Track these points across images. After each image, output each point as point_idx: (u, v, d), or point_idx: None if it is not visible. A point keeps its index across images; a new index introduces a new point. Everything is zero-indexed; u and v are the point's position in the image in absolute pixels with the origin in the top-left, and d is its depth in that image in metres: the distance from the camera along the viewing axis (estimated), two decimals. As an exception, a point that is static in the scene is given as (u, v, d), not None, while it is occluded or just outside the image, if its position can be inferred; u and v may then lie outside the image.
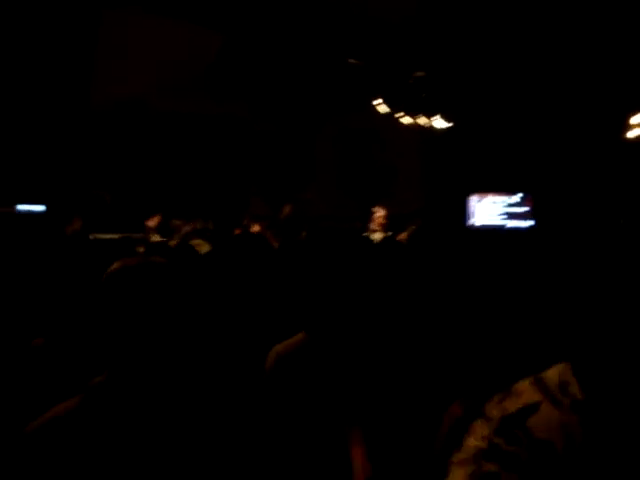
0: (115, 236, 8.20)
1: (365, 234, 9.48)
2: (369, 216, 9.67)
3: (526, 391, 1.47)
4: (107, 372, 1.64)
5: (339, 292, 2.87)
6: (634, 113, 10.44)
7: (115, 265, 1.71)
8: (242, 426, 1.72)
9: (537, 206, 11.98)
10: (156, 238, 9.10)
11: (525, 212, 12.07)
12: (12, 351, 3.38)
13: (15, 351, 3.38)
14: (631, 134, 10.49)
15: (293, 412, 2.58)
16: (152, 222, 9.44)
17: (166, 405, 1.61)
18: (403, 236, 9.28)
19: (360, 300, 2.95)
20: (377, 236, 9.44)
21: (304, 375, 2.66)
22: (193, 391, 1.67)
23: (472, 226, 12.18)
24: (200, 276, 3.77)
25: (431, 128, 10.75)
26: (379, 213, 9.57)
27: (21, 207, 9.18)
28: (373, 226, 9.59)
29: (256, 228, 9.59)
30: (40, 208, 9.25)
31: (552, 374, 1.48)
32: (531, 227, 12.00)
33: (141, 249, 8.18)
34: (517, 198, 12.13)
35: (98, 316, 1.63)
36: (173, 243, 9.25)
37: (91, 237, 8.12)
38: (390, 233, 9.43)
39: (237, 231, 9.74)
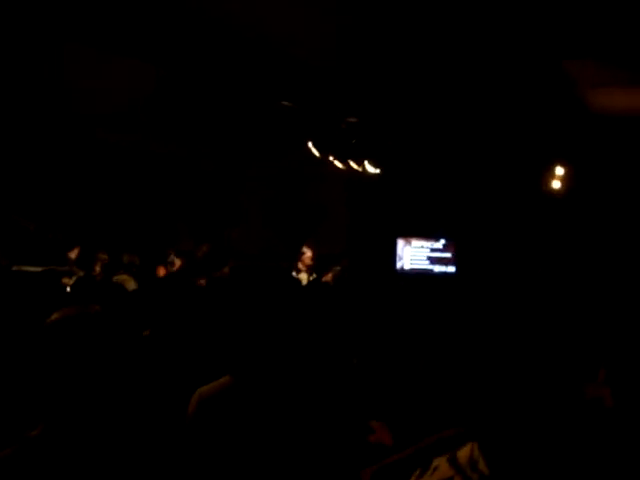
0: (38, 268, 8.04)
1: (292, 273, 9.59)
2: (296, 256, 9.78)
3: (441, 466, 1.57)
4: (43, 425, 1.65)
5: (264, 333, 2.89)
6: (555, 164, 10.91)
7: (55, 315, 1.73)
8: (167, 469, 1.75)
9: (459, 252, 12.31)
10: (79, 272, 8.96)
11: (448, 258, 12.38)
12: None
13: None
14: (554, 185, 10.94)
15: (215, 455, 2.59)
16: (73, 253, 9.30)
17: (97, 452, 1.62)
18: (328, 277, 9.46)
19: (285, 341, 2.98)
20: (303, 276, 9.58)
21: (227, 418, 2.67)
22: (121, 435, 1.69)
23: (402, 269, 12.41)
24: (128, 317, 3.76)
25: (362, 172, 10.95)
26: (307, 254, 9.69)
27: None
28: (300, 266, 9.70)
29: (178, 264, 9.57)
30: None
31: (464, 452, 1.60)
32: (455, 273, 12.30)
33: (69, 281, 8.07)
34: (440, 244, 12.44)
35: (33, 365, 1.65)
36: (98, 276, 9.14)
37: (14, 268, 7.94)
38: (314, 275, 9.57)
39: (161, 267, 9.68)
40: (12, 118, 9.54)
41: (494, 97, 9.13)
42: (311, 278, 9.54)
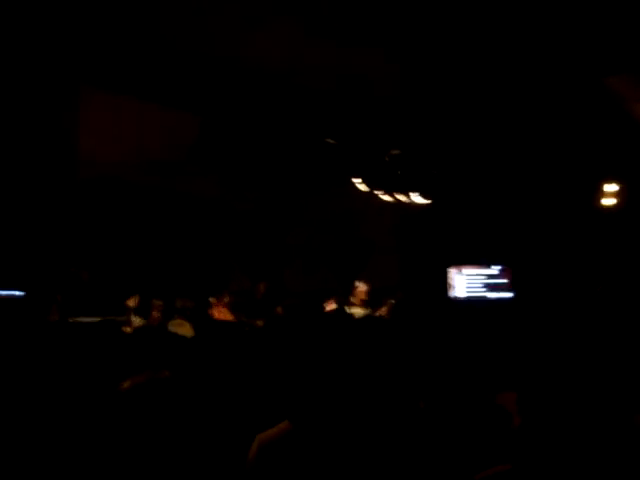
0: (95, 319, 8.12)
1: (346, 308, 9.52)
2: (350, 290, 9.73)
3: None
4: None
5: (323, 377, 2.85)
6: (606, 181, 10.70)
7: (126, 384, 1.75)
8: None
9: (515, 278, 12.09)
10: (137, 320, 9.02)
11: (504, 284, 12.17)
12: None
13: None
14: (605, 202, 10.72)
15: None
16: (132, 302, 9.34)
17: None
18: (383, 311, 9.36)
19: (342, 382, 2.93)
20: (357, 310, 9.48)
21: (287, 465, 2.63)
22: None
23: (455, 298, 12.25)
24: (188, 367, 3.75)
25: (410, 204, 10.89)
26: (361, 288, 9.62)
27: (1, 292, 9.09)
28: (354, 300, 9.63)
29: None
30: (19, 293, 9.15)
31: None
32: (511, 298, 12.07)
33: (128, 329, 8.16)
34: (495, 270, 12.24)
35: (107, 430, 1.67)
36: (155, 322, 9.17)
37: (70, 321, 8.04)
38: (369, 309, 9.47)
39: (216, 309, 9.67)
40: (61, 166, 9.74)
41: (541, 119, 9.04)
42: (366, 312, 9.46)
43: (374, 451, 2.70)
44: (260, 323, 8.43)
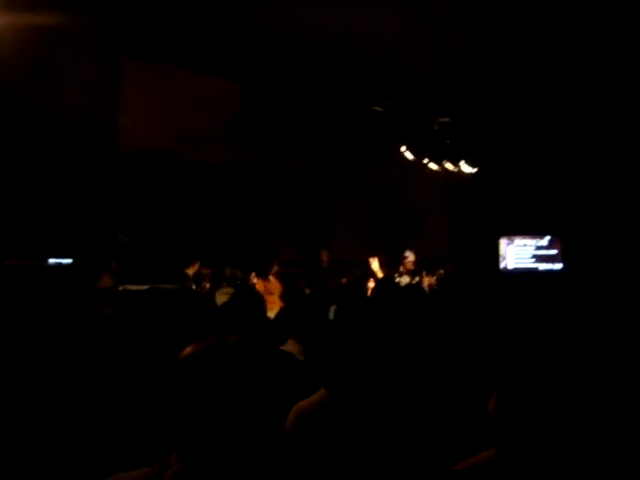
0: (144, 287, 8.22)
1: (395, 277, 9.52)
2: (399, 260, 9.72)
3: None
4: (177, 454, 1.66)
5: (364, 347, 2.82)
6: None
7: (189, 350, 1.75)
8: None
9: (566, 248, 11.87)
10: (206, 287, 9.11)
11: (554, 255, 11.97)
12: (34, 409, 3.38)
13: (37, 409, 3.38)
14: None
15: (314, 470, 2.52)
16: (191, 270, 9.38)
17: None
18: (432, 280, 9.34)
19: (386, 354, 2.89)
20: (405, 280, 9.47)
21: (326, 433, 2.60)
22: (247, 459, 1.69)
23: (505, 269, 12.10)
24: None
25: (459, 173, 10.74)
26: (409, 258, 9.62)
27: (52, 260, 9.26)
28: (402, 269, 9.63)
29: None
30: (68, 261, 9.31)
31: None
32: (562, 270, 11.87)
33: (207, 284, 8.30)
34: (545, 241, 12.03)
35: (167, 398, 1.67)
36: (205, 290, 9.27)
37: (120, 288, 8.16)
38: (418, 278, 9.45)
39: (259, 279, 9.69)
40: (105, 137, 9.84)
41: (597, 85, 8.77)
42: (414, 281, 9.44)
43: (409, 420, 2.66)
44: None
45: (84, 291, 7.76)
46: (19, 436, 3.15)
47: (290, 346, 3.78)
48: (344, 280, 9.26)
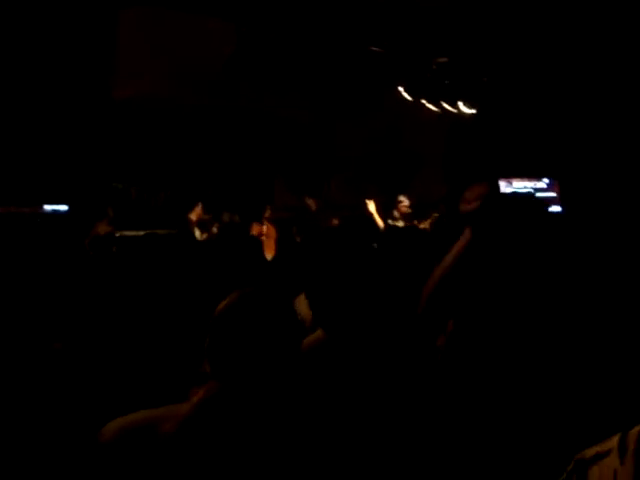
0: (140, 233, 8.18)
1: (389, 222, 9.51)
2: (394, 205, 9.69)
3: (612, 440, 1.44)
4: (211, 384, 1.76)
5: (359, 287, 2.80)
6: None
7: (233, 297, 1.82)
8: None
9: (564, 192, 11.81)
10: (199, 234, 9.08)
11: (552, 197, 11.91)
12: (31, 353, 3.39)
13: (34, 353, 3.38)
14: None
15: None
16: (194, 214, 9.32)
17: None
18: (426, 224, 9.35)
19: (381, 295, 2.88)
20: (399, 224, 9.48)
21: (322, 373, 2.59)
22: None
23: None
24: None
25: (457, 114, 10.62)
26: (404, 202, 9.60)
27: (47, 207, 9.21)
28: (397, 214, 9.62)
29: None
30: (64, 208, 9.27)
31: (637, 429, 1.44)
32: (561, 212, 11.84)
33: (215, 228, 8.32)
34: (543, 184, 11.97)
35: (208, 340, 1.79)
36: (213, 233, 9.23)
37: (117, 234, 8.13)
38: (415, 222, 9.43)
39: (256, 225, 9.65)
40: (100, 82, 9.69)
41: (596, 26, 8.61)
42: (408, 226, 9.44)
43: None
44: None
45: (81, 238, 7.73)
46: (20, 380, 3.16)
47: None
48: (335, 222, 9.27)
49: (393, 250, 4.05)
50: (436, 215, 9.40)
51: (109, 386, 3.04)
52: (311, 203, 9.98)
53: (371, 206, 9.27)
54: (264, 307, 1.81)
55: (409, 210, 9.68)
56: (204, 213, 9.43)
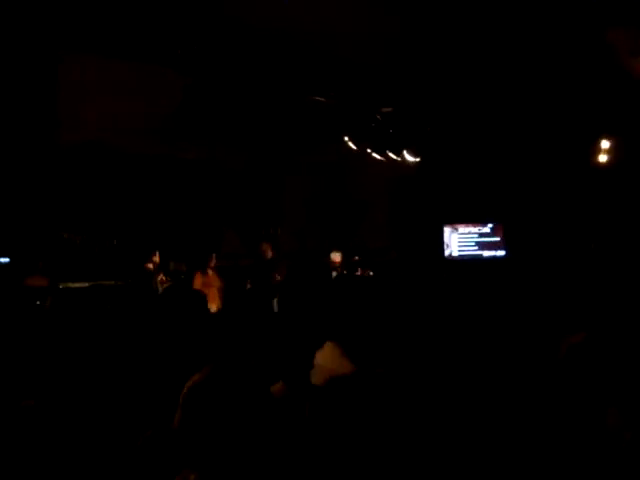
0: (85, 284, 8.06)
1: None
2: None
3: None
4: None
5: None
6: (602, 138, 10.55)
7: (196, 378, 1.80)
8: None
9: (508, 235, 12.04)
10: (162, 278, 8.99)
11: (497, 242, 12.13)
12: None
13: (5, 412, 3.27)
14: (600, 158, 10.59)
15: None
16: (151, 264, 9.19)
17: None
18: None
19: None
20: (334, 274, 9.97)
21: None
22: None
23: (450, 256, 12.22)
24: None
25: (401, 162, 10.78)
26: (336, 259, 10.01)
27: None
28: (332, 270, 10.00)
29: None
30: (5, 259, 9.09)
31: None
32: (504, 256, 12.04)
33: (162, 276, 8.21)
34: (487, 228, 12.20)
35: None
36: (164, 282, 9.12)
37: (61, 286, 7.99)
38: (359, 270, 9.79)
39: (198, 274, 9.56)
40: (44, 131, 9.58)
41: (536, 73, 8.87)
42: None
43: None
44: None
45: (15, 290, 7.59)
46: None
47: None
48: (278, 276, 9.41)
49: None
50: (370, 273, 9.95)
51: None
52: (266, 249, 9.97)
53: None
54: (235, 385, 1.82)
55: (339, 264, 10.26)
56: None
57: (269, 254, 9.94)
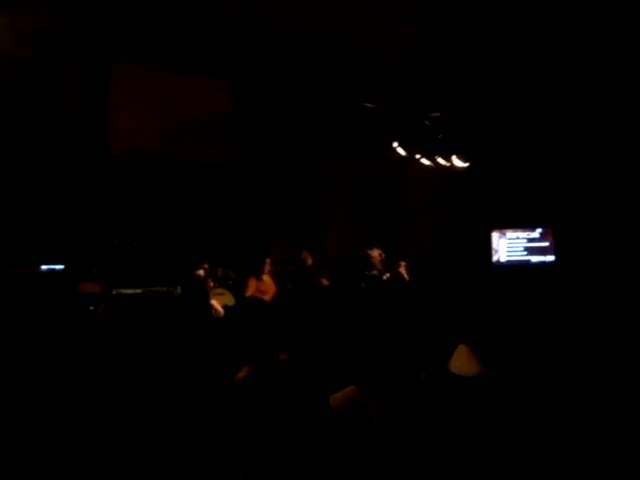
0: (138, 290, 8.17)
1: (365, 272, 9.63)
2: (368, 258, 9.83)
3: None
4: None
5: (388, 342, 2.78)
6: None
7: (244, 372, 1.80)
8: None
9: (558, 240, 11.88)
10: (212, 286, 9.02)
11: (546, 247, 11.98)
12: (34, 410, 3.34)
13: (36, 410, 3.34)
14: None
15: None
16: (201, 271, 9.21)
17: None
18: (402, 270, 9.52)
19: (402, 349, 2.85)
20: (375, 273, 9.65)
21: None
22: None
23: (498, 262, 12.12)
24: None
25: (450, 168, 10.70)
26: (374, 254, 9.72)
27: (44, 267, 9.20)
28: (373, 267, 9.74)
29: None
30: (60, 267, 9.25)
31: None
32: (553, 262, 11.89)
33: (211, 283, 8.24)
34: (536, 233, 12.05)
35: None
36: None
37: (114, 292, 8.11)
38: (387, 274, 9.56)
39: (252, 279, 9.54)
40: (96, 140, 9.73)
41: (587, 77, 8.76)
42: (384, 277, 9.64)
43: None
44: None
45: (72, 296, 7.72)
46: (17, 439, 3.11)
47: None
48: (324, 282, 9.31)
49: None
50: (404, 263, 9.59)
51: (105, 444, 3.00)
52: (307, 256, 9.99)
53: (375, 254, 9.67)
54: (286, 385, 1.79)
55: (380, 260, 9.86)
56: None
57: (309, 261, 9.93)
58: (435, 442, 2.44)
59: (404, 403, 2.56)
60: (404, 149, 10.37)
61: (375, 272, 9.68)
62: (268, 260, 9.64)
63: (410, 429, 2.47)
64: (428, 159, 10.52)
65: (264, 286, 9.37)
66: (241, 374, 1.87)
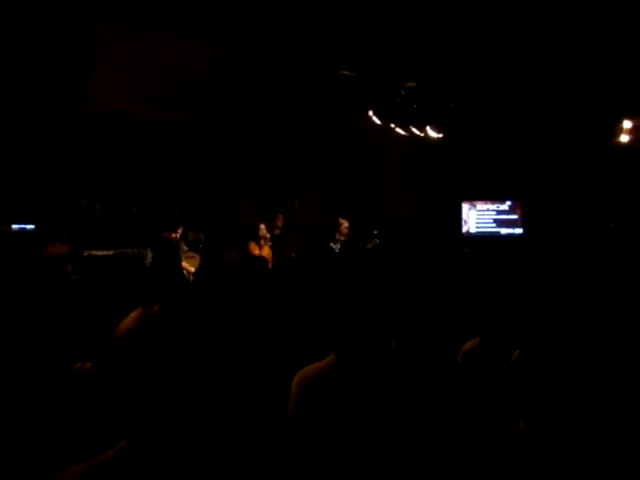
0: (109, 252, 8.13)
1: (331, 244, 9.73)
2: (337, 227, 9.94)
3: None
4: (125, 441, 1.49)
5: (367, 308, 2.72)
6: (624, 118, 10.49)
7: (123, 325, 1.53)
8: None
9: (526, 213, 12.03)
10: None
11: (515, 219, 12.14)
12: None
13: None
14: (622, 139, 10.52)
15: (322, 445, 2.40)
16: (177, 234, 9.09)
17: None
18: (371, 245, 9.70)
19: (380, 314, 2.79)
20: (339, 246, 9.76)
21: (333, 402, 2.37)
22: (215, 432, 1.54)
23: (468, 233, 12.24)
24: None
25: (424, 137, 10.75)
26: (344, 224, 9.88)
27: (15, 226, 9.10)
28: (338, 237, 9.85)
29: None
30: (31, 226, 9.16)
31: None
32: (522, 234, 12.04)
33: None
34: (506, 206, 12.19)
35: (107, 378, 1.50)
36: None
37: (85, 254, 8.05)
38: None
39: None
40: (74, 99, 9.59)
41: (559, 51, 8.82)
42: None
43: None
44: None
45: (42, 257, 7.64)
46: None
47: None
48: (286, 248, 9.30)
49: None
50: (376, 241, 9.80)
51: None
52: (279, 222, 10.02)
53: (345, 225, 9.93)
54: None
55: (348, 232, 10.11)
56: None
57: (280, 226, 9.94)
58: (404, 411, 2.43)
59: (376, 371, 2.49)
60: (379, 118, 10.38)
61: (338, 244, 9.84)
62: (263, 225, 9.45)
63: (381, 397, 2.42)
64: (402, 128, 10.56)
65: (265, 253, 9.23)
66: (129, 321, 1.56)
